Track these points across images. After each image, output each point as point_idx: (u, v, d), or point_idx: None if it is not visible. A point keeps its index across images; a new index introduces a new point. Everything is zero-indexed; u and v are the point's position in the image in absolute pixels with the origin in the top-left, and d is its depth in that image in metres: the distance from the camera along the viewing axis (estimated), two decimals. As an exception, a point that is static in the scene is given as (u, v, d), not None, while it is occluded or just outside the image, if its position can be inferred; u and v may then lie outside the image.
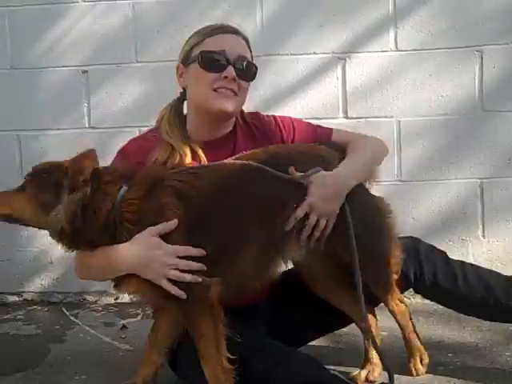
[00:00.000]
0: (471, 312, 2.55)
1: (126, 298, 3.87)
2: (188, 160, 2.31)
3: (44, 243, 3.83)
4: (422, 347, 2.43)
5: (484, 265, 3.61)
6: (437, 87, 3.63)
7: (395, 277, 2.34)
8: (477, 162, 3.62)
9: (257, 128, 2.52)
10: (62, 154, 3.79)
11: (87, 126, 3.88)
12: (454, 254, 3.52)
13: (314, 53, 3.69)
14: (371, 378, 2.43)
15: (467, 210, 3.64)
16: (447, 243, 3.54)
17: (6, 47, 3.88)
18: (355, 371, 2.47)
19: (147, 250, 2.00)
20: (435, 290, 2.45)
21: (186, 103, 2.51)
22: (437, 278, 2.42)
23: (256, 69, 2.42)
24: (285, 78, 3.65)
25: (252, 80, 2.43)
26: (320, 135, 2.50)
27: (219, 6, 3.73)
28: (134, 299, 3.82)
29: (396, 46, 3.66)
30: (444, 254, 2.53)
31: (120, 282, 2.11)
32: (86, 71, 3.87)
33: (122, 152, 2.42)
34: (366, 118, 3.65)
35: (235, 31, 2.41)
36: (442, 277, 2.42)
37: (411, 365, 2.42)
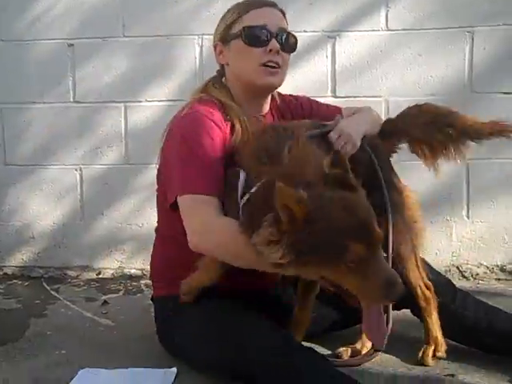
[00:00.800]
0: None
1: (107, 273, 3.85)
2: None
3: (26, 217, 3.78)
4: (441, 339, 2.35)
5: (467, 245, 3.67)
6: (426, 67, 3.60)
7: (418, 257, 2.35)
8: (464, 143, 3.60)
9: (284, 107, 2.59)
10: (46, 128, 3.85)
11: (72, 100, 3.82)
12: (438, 234, 3.60)
13: (304, 31, 3.64)
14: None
15: (452, 191, 3.63)
16: (431, 223, 3.53)
17: (-9, 18, 3.81)
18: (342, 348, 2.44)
19: None
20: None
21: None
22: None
23: (296, 40, 2.43)
24: (273, 56, 3.60)
25: (293, 51, 2.44)
26: (333, 112, 2.56)
27: (209, -20, 3.67)
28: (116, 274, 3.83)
29: (387, 26, 3.62)
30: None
31: None
32: (72, 44, 3.79)
33: (204, 122, 2.23)
34: (354, 97, 3.62)
35: (272, 4, 2.41)
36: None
37: (422, 352, 2.36)
